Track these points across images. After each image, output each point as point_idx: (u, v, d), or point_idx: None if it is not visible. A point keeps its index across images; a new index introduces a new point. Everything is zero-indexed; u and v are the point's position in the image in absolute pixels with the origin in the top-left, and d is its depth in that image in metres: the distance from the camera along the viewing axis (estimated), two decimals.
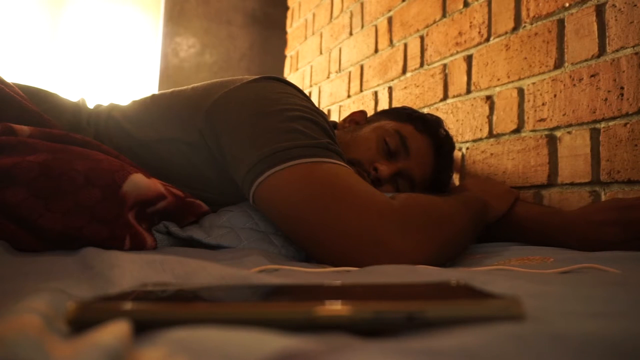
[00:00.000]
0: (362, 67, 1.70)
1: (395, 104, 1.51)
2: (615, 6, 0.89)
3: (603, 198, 0.89)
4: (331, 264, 0.60)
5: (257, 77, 0.80)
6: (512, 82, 1.10)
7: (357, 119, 0.99)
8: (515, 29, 1.11)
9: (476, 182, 0.95)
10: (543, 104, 1.02)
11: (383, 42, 1.60)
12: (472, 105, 1.21)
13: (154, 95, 0.86)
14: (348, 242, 0.59)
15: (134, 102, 0.87)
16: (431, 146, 0.93)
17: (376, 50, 1.63)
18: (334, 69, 1.91)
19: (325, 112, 1.89)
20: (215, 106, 0.75)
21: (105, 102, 0.90)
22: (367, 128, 0.93)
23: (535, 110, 1.04)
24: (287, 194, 0.63)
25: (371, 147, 0.89)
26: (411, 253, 0.57)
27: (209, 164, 0.77)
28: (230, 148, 0.71)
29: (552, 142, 0.99)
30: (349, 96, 1.77)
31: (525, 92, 1.06)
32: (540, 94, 1.03)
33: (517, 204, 0.87)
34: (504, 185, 0.95)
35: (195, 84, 0.84)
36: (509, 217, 0.84)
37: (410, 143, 0.90)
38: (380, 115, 1.02)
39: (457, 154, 1.23)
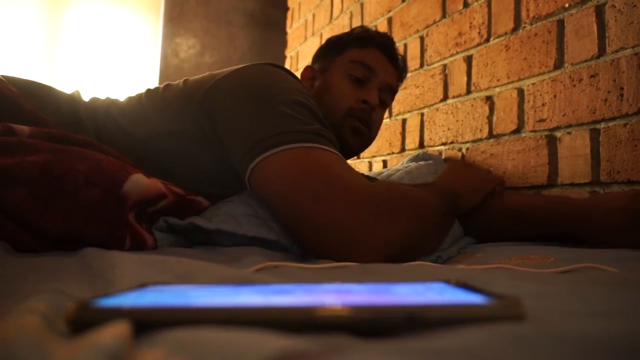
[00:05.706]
0: None
1: (394, 104, 1.51)
2: (615, 7, 0.89)
3: None
4: (319, 252, 0.62)
5: (248, 64, 0.81)
6: (512, 82, 1.10)
7: (309, 75, 1.00)
8: (515, 29, 1.11)
9: (453, 171, 0.89)
10: (543, 105, 1.02)
11: None
12: (472, 105, 1.21)
13: (148, 90, 0.86)
14: (334, 231, 0.61)
15: (130, 99, 0.87)
16: (379, 51, 0.97)
17: None
18: None
19: None
20: (209, 94, 0.76)
21: (101, 96, 0.90)
22: (327, 78, 0.96)
23: (535, 111, 1.04)
24: (277, 180, 0.65)
25: (344, 90, 0.93)
26: (394, 240, 0.60)
27: (207, 155, 0.77)
28: (227, 134, 0.72)
29: (552, 142, 0.99)
30: None
31: (525, 92, 1.06)
32: (540, 95, 1.03)
33: (519, 196, 0.88)
34: (482, 175, 0.89)
35: (188, 77, 0.84)
36: (517, 209, 0.85)
37: (368, 62, 0.94)
38: (320, 59, 1.02)
39: (457, 154, 1.23)
